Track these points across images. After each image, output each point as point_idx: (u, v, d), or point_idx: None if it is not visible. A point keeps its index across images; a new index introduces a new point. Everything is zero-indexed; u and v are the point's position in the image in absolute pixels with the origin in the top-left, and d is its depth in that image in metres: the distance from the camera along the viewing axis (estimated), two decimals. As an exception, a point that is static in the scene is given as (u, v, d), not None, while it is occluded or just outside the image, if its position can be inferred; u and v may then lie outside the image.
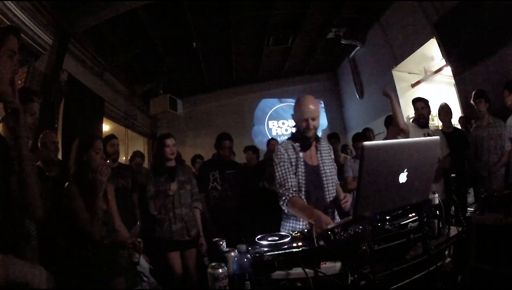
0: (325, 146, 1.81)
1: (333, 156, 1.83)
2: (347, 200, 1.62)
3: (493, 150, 2.90)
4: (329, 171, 1.71)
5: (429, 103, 2.93)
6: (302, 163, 1.66)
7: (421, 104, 2.83)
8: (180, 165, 2.46)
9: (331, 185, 1.70)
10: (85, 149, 1.72)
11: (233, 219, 2.68)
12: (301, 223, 1.65)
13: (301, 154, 1.68)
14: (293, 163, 1.66)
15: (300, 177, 1.65)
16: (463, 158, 3.18)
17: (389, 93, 2.58)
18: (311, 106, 1.65)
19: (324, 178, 1.69)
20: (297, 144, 1.71)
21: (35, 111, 1.57)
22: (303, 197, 1.62)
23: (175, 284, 2.27)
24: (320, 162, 1.72)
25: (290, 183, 1.60)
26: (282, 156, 1.66)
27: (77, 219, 1.60)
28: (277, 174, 1.65)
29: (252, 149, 4.10)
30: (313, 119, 1.64)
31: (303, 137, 1.69)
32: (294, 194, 1.57)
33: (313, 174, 1.68)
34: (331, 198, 1.69)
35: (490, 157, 2.91)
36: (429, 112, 2.94)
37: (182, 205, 2.36)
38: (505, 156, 2.84)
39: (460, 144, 3.10)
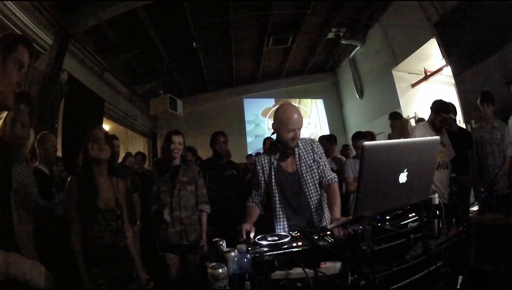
0: (306, 145, 1.69)
1: (319, 152, 1.69)
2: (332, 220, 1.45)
3: (497, 154, 2.84)
4: (309, 176, 1.63)
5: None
6: (278, 172, 1.65)
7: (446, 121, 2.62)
8: (184, 165, 2.35)
9: (313, 190, 1.63)
10: (86, 144, 1.65)
11: (231, 219, 2.66)
12: (279, 227, 1.65)
13: (275, 163, 1.66)
14: (267, 174, 1.68)
15: (276, 186, 1.65)
16: (467, 158, 3.15)
17: None
18: (298, 116, 1.56)
19: (304, 184, 1.62)
20: (275, 155, 1.67)
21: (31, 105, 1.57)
22: (277, 203, 1.65)
23: (173, 285, 2.24)
24: (299, 167, 1.64)
25: (258, 192, 1.73)
26: (258, 168, 1.72)
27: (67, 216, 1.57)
28: (253, 181, 1.77)
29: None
30: (299, 129, 1.57)
31: (285, 147, 1.62)
32: (252, 204, 1.72)
33: (292, 181, 1.64)
34: (315, 203, 1.62)
35: (496, 160, 2.84)
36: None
37: (182, 208, 2.23)
38: (507, 163, 2.73)
39: (464, 144, 3.07)
